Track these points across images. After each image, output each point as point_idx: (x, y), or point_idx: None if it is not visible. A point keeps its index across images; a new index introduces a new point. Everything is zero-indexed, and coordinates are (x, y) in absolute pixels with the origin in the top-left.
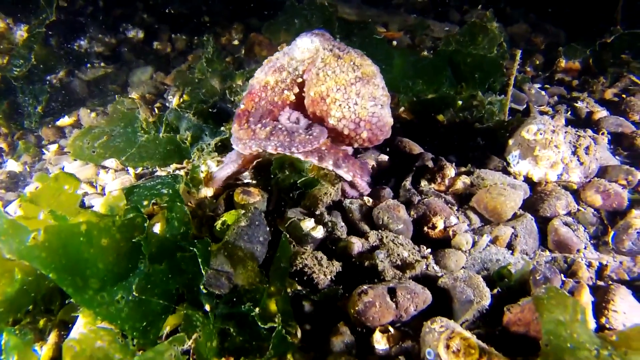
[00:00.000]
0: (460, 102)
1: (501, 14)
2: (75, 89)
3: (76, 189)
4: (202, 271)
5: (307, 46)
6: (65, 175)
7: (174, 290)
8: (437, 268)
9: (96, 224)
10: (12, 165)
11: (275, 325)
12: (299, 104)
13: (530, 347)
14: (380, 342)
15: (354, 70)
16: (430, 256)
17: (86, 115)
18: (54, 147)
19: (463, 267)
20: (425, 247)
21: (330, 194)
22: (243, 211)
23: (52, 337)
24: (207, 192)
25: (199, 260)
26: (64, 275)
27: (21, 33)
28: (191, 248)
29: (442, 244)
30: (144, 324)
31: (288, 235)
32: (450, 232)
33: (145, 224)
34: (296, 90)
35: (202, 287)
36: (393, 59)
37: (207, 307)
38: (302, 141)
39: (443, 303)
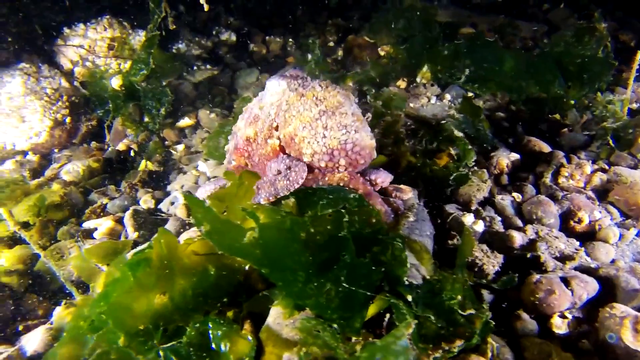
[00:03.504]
0: (572, 102)
1: (584, 11)
2: (184, 91)
3: (253, 184)
4: (407, 263)
5: (275, 89)
6: (248, 173)
7: (375, 281)
8: (589, 259)
9: (296, 219)
10: (149, 165)
11: (472, 312)
12: None
13: None
14: (561, 327)
15: (317, 105)
16: (582, 248)
17: (206, 116)
18: (180, 148)
19: (613, 259)
20: (575, 240)
21: (483, 190)
22: None
23: (247, 327)
24: None
25: (402, 254)
26: (275, 270)
27: (140, 39)
28: (393, 242)
29: (585, 237)
30: (351, 313)
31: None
32: (597, 226)
33: (345, 219)
34: (276, 134)
35: (405, 278)
36: (503, 59)
37: (409, 297)
38: (284, 187)
39: (606, 292)
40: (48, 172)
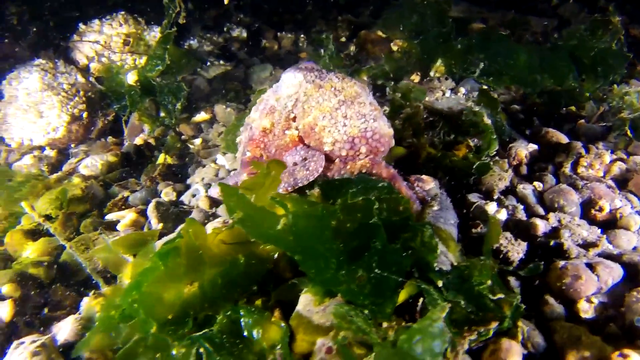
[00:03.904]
0: (588, 95)
1: (594, 5)
2: (199, 86)
3: (280, 174)
4: (437, 249)
5: (291, 82)
6: (275, 163)
7: (405, 267)
8: (612, 247)
9: (326, 206)
10: (168, 159)
11: (501, 296)
12: None
13: None
14: (588, 312)
15: (336, 95)
16: (604, 236)
17: (222, 110)
18: (198, 142)
19: (635, 246)
20: (597, 228)
21: (504, 179)
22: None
23: (276, 314)
24: None
25: (433, 240)
26: (307, 257)
27: (154, 35)
28: (423, 228)
29: (606, 225)
30: (382, 299)
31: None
32: (617, 214)
33: (375, 206)
34: (294, 125)
35: (434, 264)
36: (517, 53)
37: (440, 283)
38: (304, 177)
39: (631, 278)
40: (66, 167)
